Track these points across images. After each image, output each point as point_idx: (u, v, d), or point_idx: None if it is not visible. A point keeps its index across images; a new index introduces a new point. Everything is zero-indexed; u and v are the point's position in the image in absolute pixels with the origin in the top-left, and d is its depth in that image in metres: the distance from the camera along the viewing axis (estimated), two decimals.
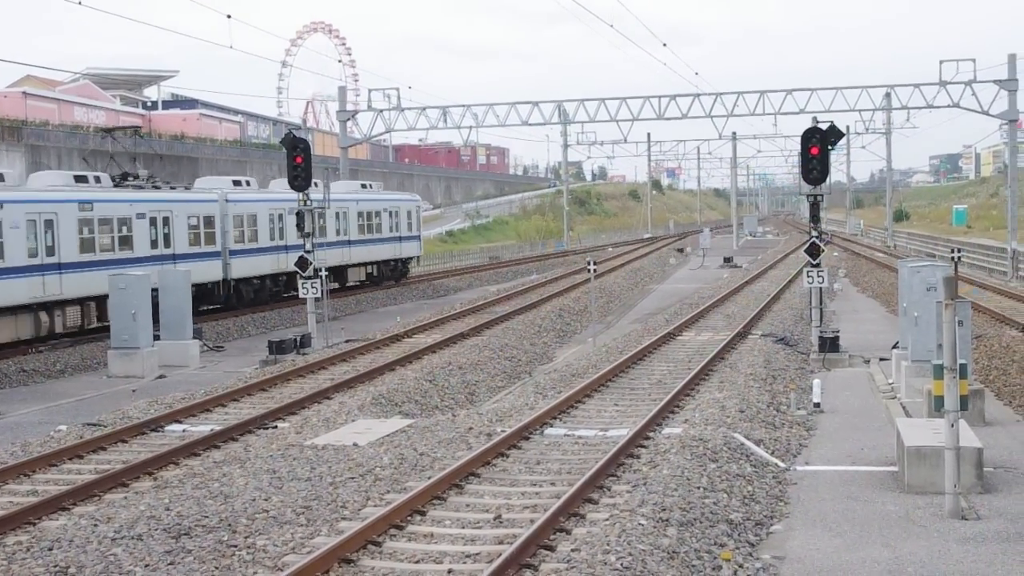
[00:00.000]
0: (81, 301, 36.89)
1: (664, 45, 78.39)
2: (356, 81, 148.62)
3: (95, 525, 15.14)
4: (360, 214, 57.31)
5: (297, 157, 36.76)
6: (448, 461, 18.56)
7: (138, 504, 16.25)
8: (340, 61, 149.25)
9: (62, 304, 36.13)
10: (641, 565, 12.80)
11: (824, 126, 32.33)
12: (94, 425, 23.21)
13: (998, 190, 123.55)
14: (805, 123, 34.75)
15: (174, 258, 41.62)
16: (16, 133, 62.42)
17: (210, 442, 21.13)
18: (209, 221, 44.37)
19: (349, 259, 55.90)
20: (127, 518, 15.38)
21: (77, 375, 32.36)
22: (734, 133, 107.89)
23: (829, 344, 31.45)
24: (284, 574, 12.78)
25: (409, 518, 15.35)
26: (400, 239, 62.09)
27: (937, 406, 15.93)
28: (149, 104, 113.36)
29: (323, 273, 36.65)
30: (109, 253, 38.40)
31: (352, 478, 17.60)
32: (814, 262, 32.31)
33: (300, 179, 36.72)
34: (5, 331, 34.13)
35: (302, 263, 36.36)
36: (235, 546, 14.19)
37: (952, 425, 15.45)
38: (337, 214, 53.98)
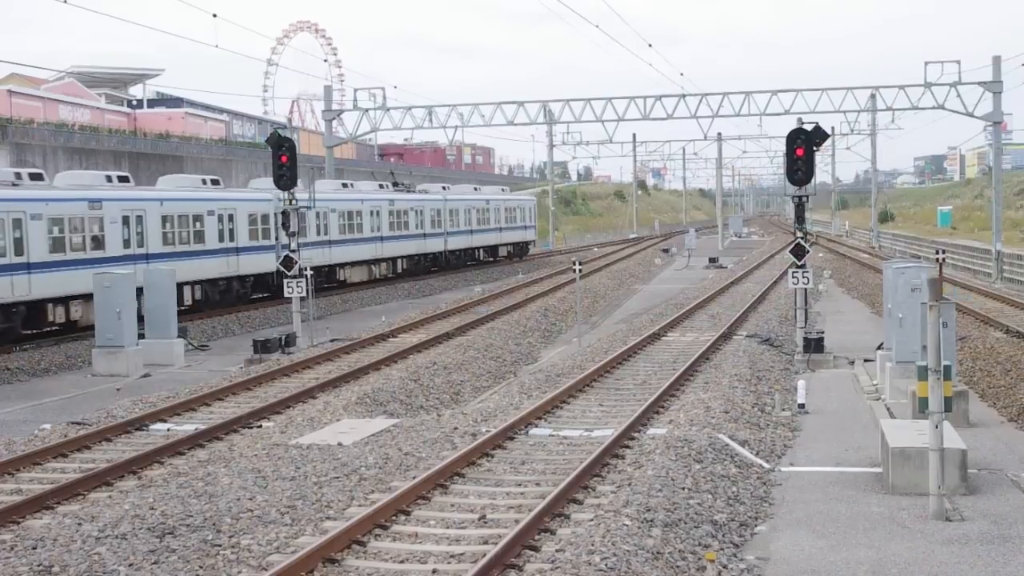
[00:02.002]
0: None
1: (650, 46, 78.84)
2: (342, 80, 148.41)
3: (79, 524, 15.10)
4: (508, 210, 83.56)
5: (282, 156, 36.71)
6: (433, 461, 18.56)
7: (122, 503, 16.21)
8: (326, 60, 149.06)
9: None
10: (625, 566, 12.81)
11: (809, 127, 32.41)
12: (78, 424, 23.16)
13: (983, 192, 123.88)
14: (790, 124, 34.82)
15: (237, 251, 46.65)
16: (1, 131, 62.18)
17: (195, 441, 21.09)
18: (265, 218, 48.43)
19: (500, 240, 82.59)
20: (111, 517, 15.34)
21: (62, 373, 32.27)
22: (719, 134, 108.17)
23: (814, 345, 31.50)
24: (268, 574, 12.77)
25: (394, 518, 15.34)
26: (525, 227, 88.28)
27: (921, 407, 15.97)
28: (134, 103, 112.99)
29: (308, 273, 36.57)
30: (185, 246, 43.38)
31: (337, 478, 17.58)
32: (799, 263, 32.37)
33: (285, 178, 36.66)
34: None
35: (287, 262, 36.30)
36: (219, 545, 14.17)
37: (936, 426, 15.48)
38: (495, 210, 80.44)
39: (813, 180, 32.98)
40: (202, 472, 18.21)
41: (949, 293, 42.25)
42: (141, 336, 33.06)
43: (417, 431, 21.42)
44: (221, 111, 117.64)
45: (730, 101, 69.59)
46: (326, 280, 54.09)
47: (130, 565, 13.50)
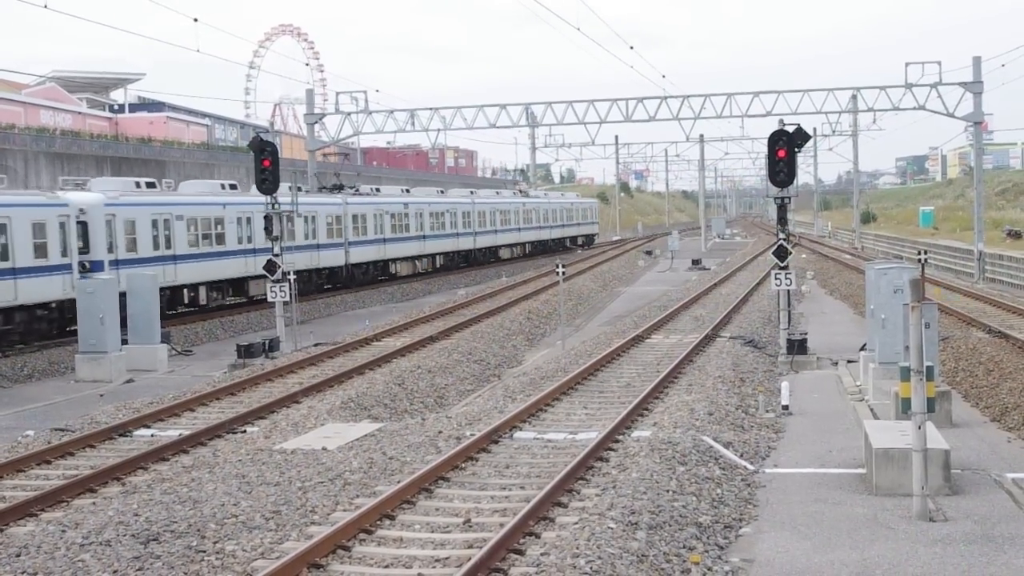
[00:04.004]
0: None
1: (631, 48, 78.67)
2: (324, 84, 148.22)
3: (63, 531, 15.06)
4: (579, 210, 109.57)
5: (265, 160, 36.65)
6: (417, 465, 18.55)
7: (106, 510, 16.17)
8: (308, 64, 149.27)
9: (255, 279, 48.32)
10: (610, 568, 12.83)
11: (791, 129, 32.47)
12: (62, 430, 23.10)
13: (964, 192, 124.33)
14: (772, 125, 35.01)
15: (318, 247, 55.56)
16: None
17: (179, 447, 21.06)
18: (339, 219, 57.78)
19: (564, 233, 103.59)
20: (95, 524, 15.31)
21: (45, 379, 32.19)
22: (701, 135, 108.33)
23: (797, 346, 31.58)
24: None
25: (378, 522, 15.33)
26: (592, 223, 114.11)
27: (904, 408, 16.02)
28: (116, 107, 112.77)
29: (291, 276, 36.58)
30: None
31: (321, 482, 17.56)
32: (782, 264, 32.44)
33: (268, 182, 36.61)
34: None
35: (270, 266, 36.27)
36: (204, 551, 14.14)
37: (919, 427, 15.53)
38: (565, 208, 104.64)
39: (795, 181, 33.04)
40: (186, 478, 18.18)
41: (931, 294, 42.38)
42: (124, 341, 32.99)
43: (401, 435, 21.41)
44: (203, 115, 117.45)
45: (712, 103, 69.73)
46: (381, 273, 63.94)
47: (115, 572, 13.47)
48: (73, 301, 34.83)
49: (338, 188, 62.34)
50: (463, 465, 18.80)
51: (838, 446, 20.47)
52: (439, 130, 72.31)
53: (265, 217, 37.19)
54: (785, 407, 24.01)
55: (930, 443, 16.04)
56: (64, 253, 37.11)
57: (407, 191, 72.00)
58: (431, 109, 71.22)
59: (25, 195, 40.46)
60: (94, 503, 17.04)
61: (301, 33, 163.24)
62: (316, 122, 71.54)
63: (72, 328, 36.26)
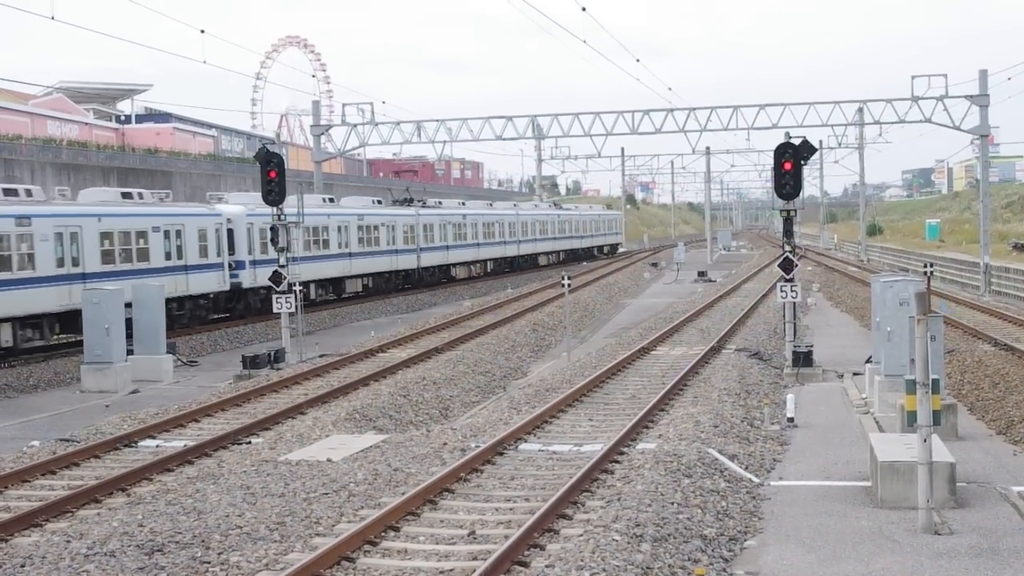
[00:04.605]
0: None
1: (637, 60, 78.72)
2: (330, 96, 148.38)
3: (68, 541, 15.06)
4: (605, 221, 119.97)
5: (271, 171, 36.70)
6: (422, 477, 18.55)
7: (111, 520, 16.17)
8: (314, 75, 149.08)
9: (351, 278, 58.58)
10: None
11: (797, 141, 32.46)
12: (67, 441, 23.12)
13: (970, 204, 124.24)
14: (778, 137, 34.89)
15: (396, 252, 63.97)
16: None
17: (184, 458, 21.06)
18: (412, 228, 66.00)
19: (592, 243, 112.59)
20: (100, 534, 15.31)
21: (50, 390, 32.20)
22: (708, 148, 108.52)
23: (803, 359, 31.52)
24: None
25: (383, 534, 15.32)
26: (617, 233, 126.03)
27: (910, 421, 15.99)
28: (123, 118, 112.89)
29: (297, 288, 36.64)
30: (370, 247, 60.27)
31: (326, 494, 17.56)
32: (787, 277, 32.42)
33: (274, 193, 36.66)
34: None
35: (275, 277, 36.31)
36: (208, 562, 14.14)
37: (925, 440, 15.51)
38: (593, 220, 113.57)
39: (801, 194, 33.02)
40: (191, 489, 18.18)
41: (937, 306, 42.34)
42: (130, 352, 33.00)
43: (406, 447, 21.41)
44: (209, 126, 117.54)
45: (718, 115, 69.75)
46: (443, 276, 72.61)
47: None
48: (223, 294, 47.04)
49: (408, 201, 70.33)
50: (468, 477, 18.79)
51: (843, 459, 20.44)
52: (445, 142, 72.43)
53: (272, 228, 37.21)
54: (790, 419, 23.99)
55: (936, 456, 16.02)
56: (218, 254, 46.22)
57: (463, 203, 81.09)
58: (437, 121, 71.36)
59: (191, 207, 48.80)
60: (99, 514, 17.03)
61: (308, 44, 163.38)
62: (322, 133, 71.60)
63: (220, 316, 47.86)
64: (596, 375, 29.58)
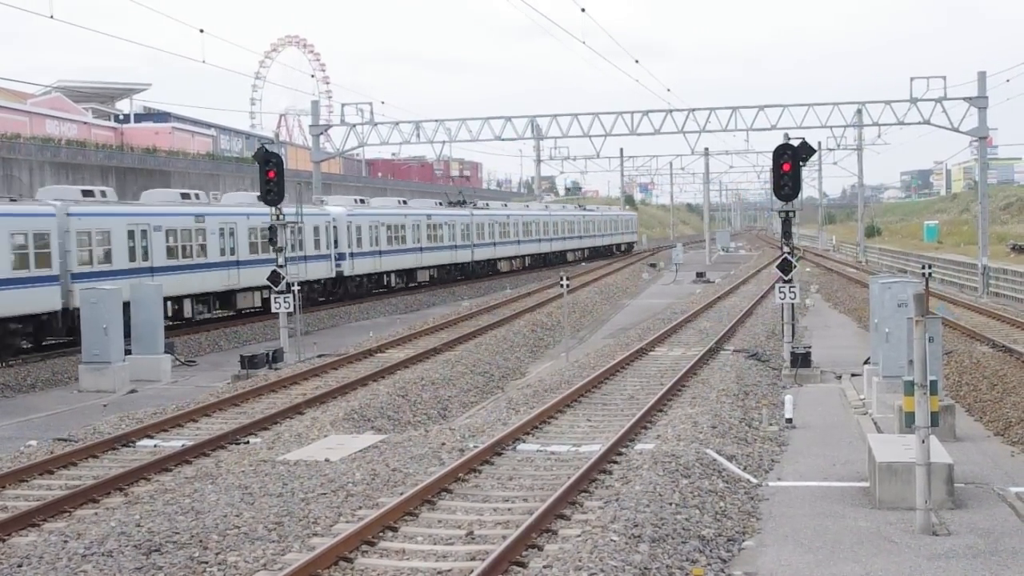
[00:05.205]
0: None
1: (636, 61, 78.65)
2: (329, 96, 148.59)
3: (65, 541, 15.05)
4: (622, 221, 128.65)
5: (269, 171, 36.68)
6: (420, 477, 18.54)
7: (109, 520, 16.16)
8: (313, 75, 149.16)
9: (422, 269, 68.76)
10: None
11: (796, 142, 32.46)
12: (65, 440, 23.10)
13: (969, 206, 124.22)
14: (777, 139, 34.89)
15: (455, 247, 73.28)
16: None
17: (181, 458, 21.05)
18: (467, 227, 75.45)
19: (612, 241, 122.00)
20: (97, 534, 15.29)
21: (48, 390, 32.19)
22: (706, 149, 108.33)
23: (801, 360, 31.52)
24: None
25: (381, 534, 15.31)
26: (632, 232, 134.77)
27: (908, 422, 15.99)
28: (121, 117, 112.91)
29: (296, 288, 36.65)
30: (438, 242, 70.02)
31: (324, 494, 17.55)
32: (786, 278, 32.43)
33: (273, 193, 36.64)
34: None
35: (274, 277, 36.30)
36: (206, 562, 14.13)
37: (923, 441, 15.50)
38: (612, 220, 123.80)
39: (800, 195, 33.01)
40: (189, 489, 18.17)
41: (936, 308, 42.34)
42: (128, 352, 32.99)
43: (404, 447, 21.40)
44: (208, 126, 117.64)
45: (717, 116, 69.67)
46: (490, 269, 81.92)
47: None
48: (331, 280, 56.28)
49: (461, 203, 79.78)
50: (466, 477, 18.79)
51: (841, 459, 20.44)
52: (444, 142, 72.36)
53: (270, 228, 37.19)
54: (789, 420, 23.98)
55: (934, 457, 16.01)
56: (328, 247, 55.15)
57: (505, 205, 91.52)
58: (436, 121, 71.25)
59: (309, 207, 53.70)
60: (96, 513, 17.03)
61: (307, 44, 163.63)
62: (321, 133, 71.59)
63: (328, 301, 55.91)
64: (594, 376, 29.57)
